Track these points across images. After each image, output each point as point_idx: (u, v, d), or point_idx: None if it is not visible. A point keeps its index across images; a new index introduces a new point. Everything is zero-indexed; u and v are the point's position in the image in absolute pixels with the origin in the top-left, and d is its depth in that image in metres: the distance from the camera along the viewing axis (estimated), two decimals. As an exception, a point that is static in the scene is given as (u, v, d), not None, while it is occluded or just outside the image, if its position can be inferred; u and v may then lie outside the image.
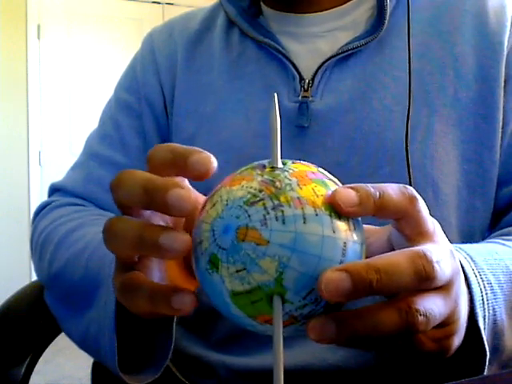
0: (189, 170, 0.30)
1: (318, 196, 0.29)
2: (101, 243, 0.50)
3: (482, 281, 0.38)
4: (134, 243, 0.30)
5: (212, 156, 0.30)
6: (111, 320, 0.42)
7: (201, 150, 0.30)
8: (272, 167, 0.30)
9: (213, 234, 0.29)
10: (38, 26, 3.17)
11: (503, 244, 0.48)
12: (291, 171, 0.30)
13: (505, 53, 0.57)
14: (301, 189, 0.29)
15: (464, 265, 0.38)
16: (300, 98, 0.59)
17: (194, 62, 0.67)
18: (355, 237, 0.29)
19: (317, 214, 0.28)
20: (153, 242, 0.29)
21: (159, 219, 0.35)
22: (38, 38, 3.18)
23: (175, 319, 0.42)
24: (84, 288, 0.48)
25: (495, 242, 0.49)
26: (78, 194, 0.67)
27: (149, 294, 0.31)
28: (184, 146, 0.31)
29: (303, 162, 0.31)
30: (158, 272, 0.37)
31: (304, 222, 0.28)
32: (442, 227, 0.34)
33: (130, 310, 0.35)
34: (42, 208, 0.68)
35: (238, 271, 0.28)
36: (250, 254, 0.28)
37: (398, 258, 0.29)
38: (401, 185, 0.31)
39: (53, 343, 0.68)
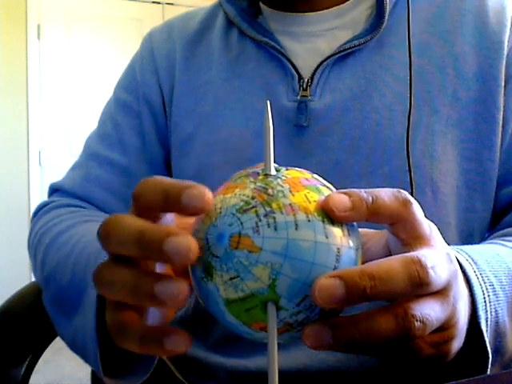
0: (182, 208, 0.28)
1: (310, 202, 0.28)
2: (85, 248, 0.49)
3: (484, 283, 0.38)
4: (129, 294, 0.29)
5: (206, 188, 0.28)
6: (92, 331, 0.42)
7: (191, 183, 0.28)
8: (265, 174, 0.30)
9: (207, 243, 0.29)
10: (38, 26, 3.17)
11: (504, 245, 0.48)
12: (284, 178, 0.30)
13: (505, 52, 0.57)
14: (293, 195, 0.28)
15: (466, 267, 0.37)
16: (299, 97, 0.59)
17: (192, 62, 0.66)
18: (350, 242, 0.29)
19: (309, 220, 0.28)
20: (148, 293, 0.28)
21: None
22: (38, 38, 3.17)
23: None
24: (71, 293, 0.48)
25: (496, 243, 0.49)
26: (76, 193, 0.67)
27: (140, 336, 0.30)
28: (174, 182, 0.29)
29: (297, 169, 0.31)
30: None
31: (296, 229, 0.27)
32: (440, 227, 0.34)
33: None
34: (39, 209, 0.68)
35: (231, 279, 0.28)
36: (243, 262, 0.27)
37: (392, 264, 0.28)
38: (394, 189, 0.31)
39: (53, 343, 0.68)
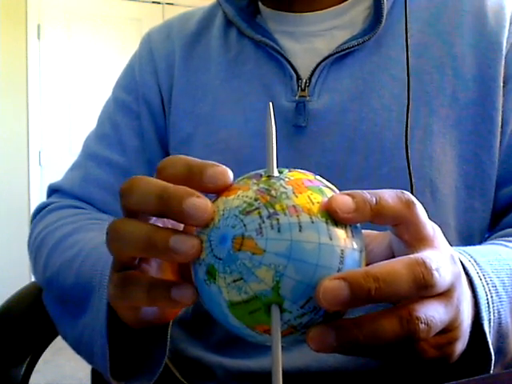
0: (205, 183, 0.29)
1: (313, 203, 0.28)
2: (93, 249, 0.49)
3: (487, 284, 0.38)
4: (142, 245, 0.30)
5: (228, 169, 0.30)
6: (103, 328, 0.42)
7: (216, 163, 0.30)
8: (268, 176, 0.30)
9: (209, 245, 0.28)
10: (38, 26, 3.17)
11: (506, 246, 0.48)
12: (287, 179, 0.29)
13: (503, 53, 0.57)
14: (296, 197, 0.28)
15: (468, 268, 0.37)
16: (297, 97, 0.59)
17: (191, 62, 0.66)
18: (354, 244, 0.29)
19: (313, 222, 0.28)
20: (163, 245, 0.29)
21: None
22: (38, 38, 3.17)
23: (169, 329, 0.41)
24: (76, 294, 0.48)
25: (498, 244, 0.48)
26: (76, 194, 0.67)
27: (148, 286, 0.31)
28: (197, 159, 0.30)
29: (300, 170, 0.31)
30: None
31: (300, 230, 0.27)
32: (440, 228, 0.34)
33: (123, 318, 0.34)
34: (39, 210, 0.67)
35: (234, 281, 0.28)
36: (247, 264, 0.27)
37: (397, 265, 0.28)
38: (398, 190, 0.31)
39: (53, 343, 0.68)
